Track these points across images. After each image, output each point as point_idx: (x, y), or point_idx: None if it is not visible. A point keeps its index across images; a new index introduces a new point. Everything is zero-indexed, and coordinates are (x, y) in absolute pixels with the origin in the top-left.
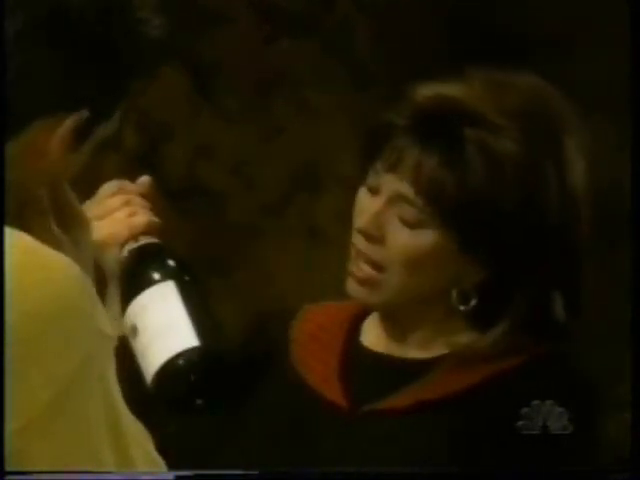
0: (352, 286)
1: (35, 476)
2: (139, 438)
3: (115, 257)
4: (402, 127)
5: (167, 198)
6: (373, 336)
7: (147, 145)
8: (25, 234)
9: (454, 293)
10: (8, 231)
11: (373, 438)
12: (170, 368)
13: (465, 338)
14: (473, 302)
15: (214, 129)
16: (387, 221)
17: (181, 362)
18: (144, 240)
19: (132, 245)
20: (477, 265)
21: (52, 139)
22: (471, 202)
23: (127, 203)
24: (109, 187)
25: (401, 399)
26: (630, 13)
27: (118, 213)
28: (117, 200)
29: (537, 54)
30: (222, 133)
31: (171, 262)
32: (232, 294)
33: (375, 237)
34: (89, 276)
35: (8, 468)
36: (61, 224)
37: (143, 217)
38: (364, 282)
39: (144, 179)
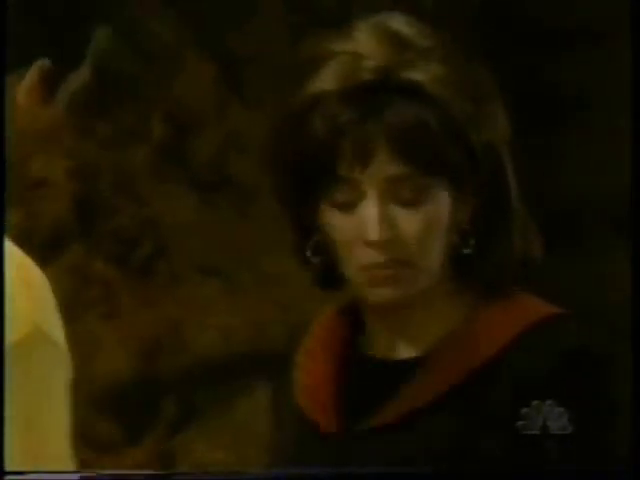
0: (376, 292)
1: (35, 476)
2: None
3: None
4: (347, 121)
5: (196, 190)
6: (371, 342)
7: (175, 136)
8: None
9: (456, 238)
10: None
11: (368, 457)
12: None
13: (458, 315)
14: (472, 241)
15: (243, 120)
16: (393, 216)
17: None
18: None
19: None
20: (466, 196)
21: (17, 93)
22: (453, 135)
23: None
24: None
25: (394, 410)
26: (630, 12)
27: None
28: None
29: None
30: (251, 124)
31: None
32: (261, 286)
33: (390, 239)
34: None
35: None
36: None
37: None
38: (394, 281)
39: None
